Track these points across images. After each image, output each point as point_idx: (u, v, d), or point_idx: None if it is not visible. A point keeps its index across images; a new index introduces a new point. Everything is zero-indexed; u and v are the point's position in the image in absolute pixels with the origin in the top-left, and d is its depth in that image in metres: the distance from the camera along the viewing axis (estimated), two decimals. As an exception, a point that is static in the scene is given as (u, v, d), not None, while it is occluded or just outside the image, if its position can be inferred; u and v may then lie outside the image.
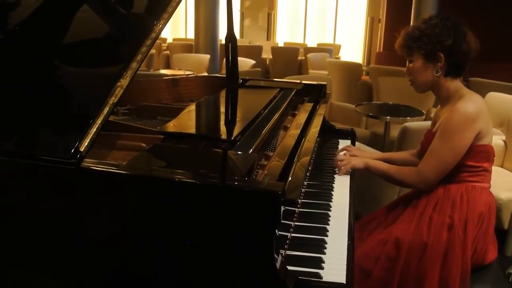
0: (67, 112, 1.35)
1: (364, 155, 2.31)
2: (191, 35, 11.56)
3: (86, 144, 1.19)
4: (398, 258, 1.84)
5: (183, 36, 13.73)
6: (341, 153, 2.28)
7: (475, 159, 1.91)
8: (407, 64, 2.02)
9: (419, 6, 7.39)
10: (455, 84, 1.95)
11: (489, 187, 1.99)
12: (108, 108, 1.26)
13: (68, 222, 1.25)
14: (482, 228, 1.91)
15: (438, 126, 1.95)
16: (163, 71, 6.90)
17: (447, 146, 1.87)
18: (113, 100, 1.27)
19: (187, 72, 6.18)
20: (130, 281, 1.25)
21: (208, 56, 7.57)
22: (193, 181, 1.18)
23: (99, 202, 1.22)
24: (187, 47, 9.36)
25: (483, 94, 4.33)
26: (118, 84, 1.31)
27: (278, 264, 1.13)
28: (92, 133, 1.21)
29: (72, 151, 1.17)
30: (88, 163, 1.21)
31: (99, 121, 1.23)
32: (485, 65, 5.89)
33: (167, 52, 10.04)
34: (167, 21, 1.52)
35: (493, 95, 4.48)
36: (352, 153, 2.30)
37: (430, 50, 1.90)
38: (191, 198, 1.15)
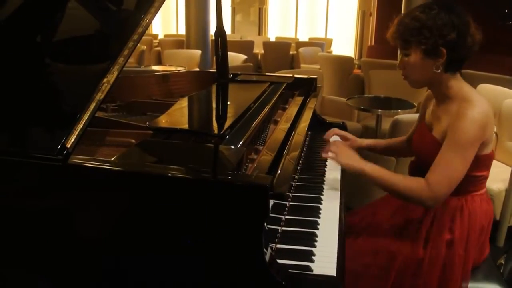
0: (54, 109, 1.34)
1: (355, 138, 2.20)
2: (182, 31, 11.54)
3: (72, 140, 1.18)
4: (390, 268, 1.73)
5: (174, 32, 13.69)
6: (336, 141, 2.01)
7: (478, 169, 1.73)
8: (400, 56, 1.79)
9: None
10: (458, 83, 1.73)
11: (485, 191, 1.85)
12: (94, 104, 1.25)
13: (56, 219, 1.24)
14: (481, 240, 1.82)
15: (442, 133, 1.73)
16: (154, 67, 6.87)
17: (461, 156, 1.62)
18: (99, 95, 1.26)
19: (179, 68, 6.14)
20: (118, 274, 1.24)
21: (200, 51, 7.54)
22: (182, 175, 1.17)
23: (87, 198, 1.21)
24: (179, 43, 9.34)
25: (474, 85, 4.35)
26: (105, 79, 1.30)
27: (267, 257, 1.13)
28: (79, 129, 1.20)
29: (59, 147, 1.16)
30: (75, 159, 1.20)
31: (85, 117, 1.22)
32: (477, 57, 5.92)
33: (159, 48, 10.02)
34: (154, 16, 1.51)
35: (484, 87, 4.51)
36: (345, 137, 2.17)
37: (431, 45, 1.65)
38: (180, 192, 1.14)
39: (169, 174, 1.16)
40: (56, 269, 1.30)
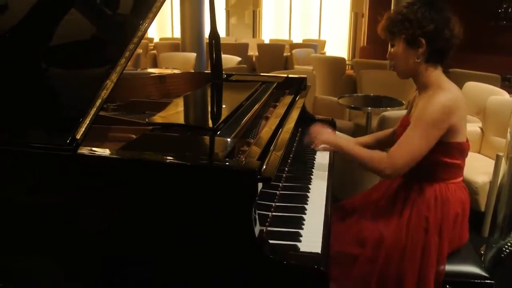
0: (64, 105, 1.47)
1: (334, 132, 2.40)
2: (177, 34, 11.64)
3: (81, 132, 1.32)
4: (377, 259, 1.85)
5: (169, 35, 13.81)
6: (314, 126, 2.26)
7: (449, 156, 1.89)
8: (389, 48, 1.98)
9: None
10: (436, 74, 1.90)
11: (462, 179, 2.00)
12: (100, 100, 1.38)
13: (65, 207, 1.38)
14: (457, 228, 1.93)
15: (413, 113, 1.95)
16: (150, 70, 6.97)
17: (420, 134, 1.80)
18: (104, 93, 1.40)
19: (175, 71, 6.26)
20: (123, 255, 1.37)
21: (195, 54, 7.66)
22: (181, 162, 1.31)
23: (93, 185, 1.34)
24: (174, 46, 9.45)
25: (462, 83, 4.52)
26: (109, 78, 1.43)
27: (256, 233, 1.26)
28: (87, 122, 1.34)
29: (70, 138, 1.29)
30: (83, 150, 1.33)
31: (92, 111, 1.36)
32: (466, 56, 6.07)
33: (154, 51, 10.12)
34: (152, 20, 1.64)
35: (471, 84, 4.63)
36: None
37: (411, 35, 1.85)
38: (179, 177, 1.28)
39: (169, 161, 1.30)
40: (66, 256, 1.44)
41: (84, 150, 1.33)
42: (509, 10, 8.88)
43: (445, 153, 1.87)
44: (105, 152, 1.34)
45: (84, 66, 1.57)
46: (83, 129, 1.33)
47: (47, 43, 1.60)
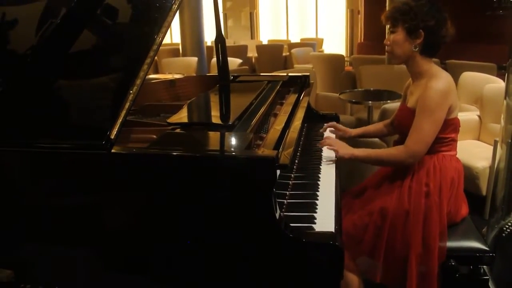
0: (97, 109, 1.62)
1: (347, 129, 2.64)
2: (176, 39, 11.78)
3: (115, 132, 1.47)
4: (384, 225, 2.07)
5: (169, 41, 13.96)
6: (329, 136, 2.50)
7: (445, 132, 2.12)
8: (387, 35, 2.19)
9: (394, -5, 7.70)
10: (428, 63, 2.14)
11: (456, 154, 2.23)
12: (129, 104, 1.53)
13: (101, 203, 1.53)
14: (453, 191, 2.15)
15: (414, 103, 2.14)
16: (153, 76, 7.10)
17: (429, 120, 2.03)
18: (132, 96, 1.55)
19: (176, 76, 6.39)
20: (157, 245, 1.52)
21: (196, 58, 7.81)
22: (212, 153, 1.49)
23: (128, 181, 1.49)
24: (174, 51, 9.58)
25: (458, 74, 4.66)
26: (135, 83, 1.58)
27: (277, 215, 1.41)
28: (119, 123, 1.48)
29: (105, 139, 1.45)
30: (116, 150, 1.49)
31: (122, 113, 1.51)
32: (462, 46, 6.22)
33: (155, 57, 10.22)
34: (167, 29, 1.79)
35: (467, 74, 4.77)
36: (338, 129, 2.61)
37: (413, 26, 2.06)
38: (208, 168, 1.43)
39: (205, 154, 1.47)
40: (105, 252, 1.59)
41: (118, 150, 1.48)
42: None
43: (442, 129, 2.10)
44: (137, 150, 1.50)
45: (113, 73, 1.72)
46: (116, 129, 1.48)
47: (78, 54, 1.75)
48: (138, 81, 1.58)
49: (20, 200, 1.61)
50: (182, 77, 3.53)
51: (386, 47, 2.21)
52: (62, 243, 1.62)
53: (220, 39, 2.81)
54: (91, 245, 1.59)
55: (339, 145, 2.26)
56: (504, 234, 2.90)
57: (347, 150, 2.22)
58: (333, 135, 2.60)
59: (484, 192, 3.60)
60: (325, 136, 2.55)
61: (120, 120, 1.48)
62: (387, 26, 2.21)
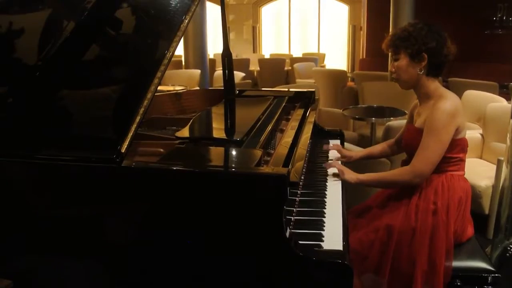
0: (108, 122, 1.63)
1: (351, 154, 2.64)
2: (178, 51, 11.82)
3: (125, 146, 1.47)
4: (390, 242, 2.06)
5: (171, 53, 13.98)
6: (334, 162, 2.46)
7: (453, 151, 2.13)
8: (391, 63, 2.22)
9: (397, 12, 7.72)
10: (434, 84, 2.16)
11: (464, 174, 2.24)
12: (139, 117, 1.53)
13: (109, 215, 1.53)
14: (460, 211, 2.15)
15: (422, 123, 2.16)
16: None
17: (436, 140, 2.06)
18: (142, 110, 1.55)
19: (179, 88, 6.40)
20: (166, 259, 1.51)
21: (199, 71, 7.82)
22: (223, 170, 1.49)
23: (138, 194, 1.49)
24: (176, 64, 9.60)
25: (461, 92, 4.69)
26: (145, 97, 1.58)
27: (287, 234, 1.41)
28: (129, 137, 1.48)
29: (116, 152, 1.45)
30: (126, 163, 1.49)
31: (133, 128, 1.51)
32: (463, 65, 6.24)
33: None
34: (178, 44, 1.80)
35: (470, 93, 4.79)
36: (342, 155, 2.61)
37: (416, 50, 2.10)
38: (217, 185, 1.43)
39: (209, 171, 1.46)
40: (112, 264, 1.57)
41: (128, 163, 1.47)
42: (504, 18, 9.05)
43: (450, 149, 2.11)
44: (148, 164, 1.49)
45: (124, 87, 1.72)
46: (126, 143, 1.48)
47: (90, 66, 1.76)
48: (149, 95, 1.59)
49: (25, 210, 1.60)
50: (186, 90, 3.53)
51: (391, 74, 2.24)
52: (64, 254, 1.61)
53: (227, 52, 2.82)
54: (93, 258, 1.58)
55: (343, 170, 2.28)
56: (508, 254, 2.91)
57: (352, 175, 2.26)
58: (338, 155, 2.63)
59: (487, 211, 3.59)
60: (329, 158, 2.60)
61: (131, 134, 1.49)
62: (389, 54, 2.25)
